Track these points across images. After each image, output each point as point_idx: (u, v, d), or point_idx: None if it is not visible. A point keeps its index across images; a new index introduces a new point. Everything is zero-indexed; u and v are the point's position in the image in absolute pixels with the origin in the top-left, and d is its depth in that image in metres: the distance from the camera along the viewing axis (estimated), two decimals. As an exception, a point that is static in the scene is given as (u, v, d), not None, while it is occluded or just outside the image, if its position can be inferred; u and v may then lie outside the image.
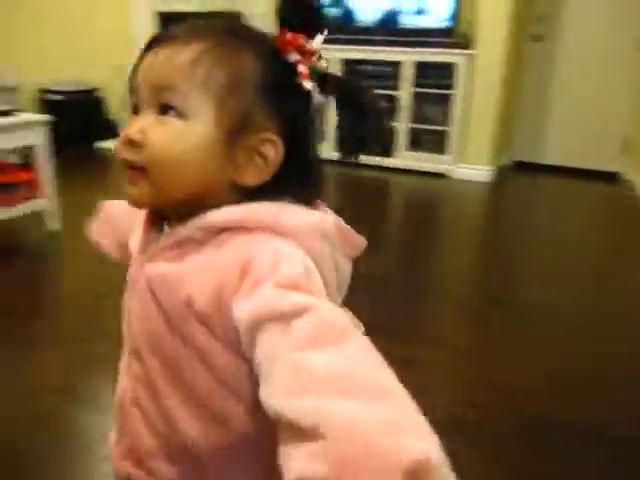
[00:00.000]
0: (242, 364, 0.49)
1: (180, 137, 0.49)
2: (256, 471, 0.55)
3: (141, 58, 0.51)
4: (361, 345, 0.40)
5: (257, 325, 0.43)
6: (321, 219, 0.51)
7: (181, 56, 0.49)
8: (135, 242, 0.59)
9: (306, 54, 0.51)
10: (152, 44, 0.51)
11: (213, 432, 0.53)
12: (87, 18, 4.80)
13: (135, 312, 0.56)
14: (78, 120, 4.55)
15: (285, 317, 0.42)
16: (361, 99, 0.54)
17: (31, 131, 2.59)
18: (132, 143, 0.49)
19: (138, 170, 0.50)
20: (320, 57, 0.52)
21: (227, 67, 0.49)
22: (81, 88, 4.79)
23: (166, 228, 0.57)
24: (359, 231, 0.56)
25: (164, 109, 0.50)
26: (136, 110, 0.52)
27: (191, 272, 0.50)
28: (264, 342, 0.43)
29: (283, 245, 0.48)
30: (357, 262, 0.57)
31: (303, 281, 0.45)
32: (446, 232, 3.19)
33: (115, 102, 4.84)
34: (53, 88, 4.65)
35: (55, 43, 4.83)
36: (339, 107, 0.54)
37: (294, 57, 0.51)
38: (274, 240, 0.48)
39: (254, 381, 0.45)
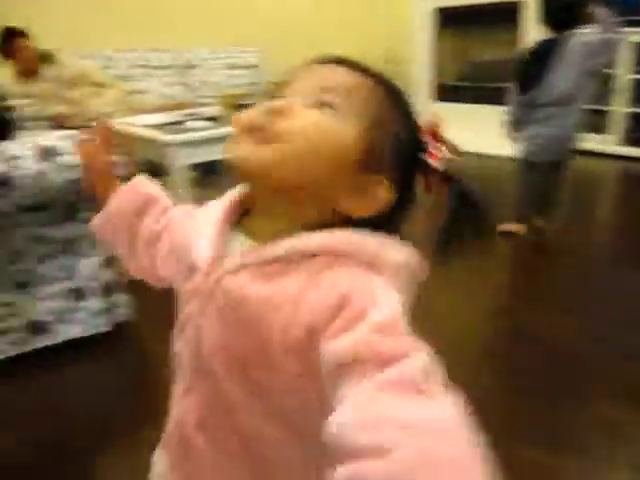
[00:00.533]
0: (313, 392, 0.47)
1: (329, 125, 0.50)
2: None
3: (310, 63, 0.57)
4: (448, 408, 0.39)
5: (349, 363, 0.42)
6: (411, 256, 0.51)
7: (357, 79, 0.54)
8: (202, 246, 0.54)
9: (437, 142, 0.56)
10: (331, 61, 0.56)
11: (290, 443, 0.53)
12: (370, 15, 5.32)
13: (209, 327, 0.52)
14: None
15: (381, 362, 0.41)
16: (471, 199, 0.56)
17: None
18: (275, 112, 0.49)
19: (260, 132, 0.49)
20: (448, 151, 0.56)
21: (383, 108, 0.54)
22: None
23: (238, 236, 0.54)
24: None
25: (319, 106, 0.51)
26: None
27: (282, 296, 0.48)
28: (352, 382, 0.41)
29: (381, 284, 0.47)
30: None
31: (399, 324, 0.44)
32: None
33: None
34: None
35: (329, 31, 5.17)
36: (450, 200, 0.56)
37: (427, 139, 0.56)
38: (372, 277, 0.47)
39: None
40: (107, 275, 1.86)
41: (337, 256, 0.48)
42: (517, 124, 2.57)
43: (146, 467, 1.29)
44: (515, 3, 3.96)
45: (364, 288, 0.46)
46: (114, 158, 1.90)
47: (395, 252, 0.50)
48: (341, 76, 0.54)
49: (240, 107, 2.64)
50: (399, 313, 0.45)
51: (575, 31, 2.35)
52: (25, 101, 3.19)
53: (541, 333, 1.85)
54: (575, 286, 2.21)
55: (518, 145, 2.57)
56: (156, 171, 3.28)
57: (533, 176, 2.55)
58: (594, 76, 2.37)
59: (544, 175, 2.51)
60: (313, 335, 0.45)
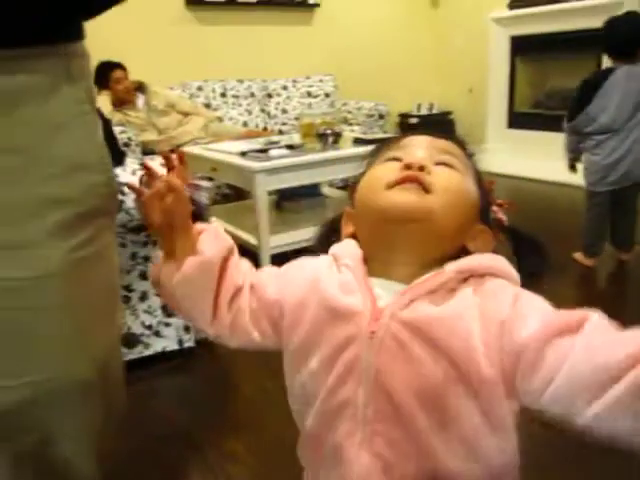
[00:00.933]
0: (505, 396, 0.53)
1: (461, 181, 0.61)
2: None
3: (407, 135, 0.68)
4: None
5: (549, 339, 0.51)
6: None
7: (456, 146, 0.67)
8: (354, 295, 0.58)
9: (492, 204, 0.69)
10: (425, 133, 0.68)
11: (475, 473, 0.55)
12: (447, 44, 5.53)
13: (391, 368, 0.54)
14: None
15: (576, 326, 0.51)
16: (525, 241, 0.69)
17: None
18: (422, 168, 0.59)
19: (416, 184, 0.58)
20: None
21: (476, 171, 0.67)
22: (435, 111, 5.47)
23: (375, 280, 0.60)
24: None
25: (442, 165, 0.62)
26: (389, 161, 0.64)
27: (462, 307, 0.55)
28: (563, 347, 0.50)
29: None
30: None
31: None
32: None
33: (466, 123, 5.47)
34: (412, 112, 5.35)
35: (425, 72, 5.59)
36: (513, 244, 0.68)
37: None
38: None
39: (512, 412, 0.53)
40: (195, 293, 2.00)
41: (484, 275, 0.58)
42: (570, 152, 2.57)
43: (227, 478, 1.38)
44: (593, 30, 3.91)
45: (519, 289, 0.57)
46: (198, 182, 2.05)
47: (512, 270, 0.60)
48: (445, 142, 0.66)
49: (319, 135, 2.75)
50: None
51: (634, 63, 2.33)
52: (119, 128, 3.44)
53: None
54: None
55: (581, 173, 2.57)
56: (238, 196, 3.46)
57: (591, 206, 2.53)
58: None
59: (603, 206, 2.48)
60: (504, 327, 0.53)
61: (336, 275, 0.61)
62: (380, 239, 0.60)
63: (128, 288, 1.89)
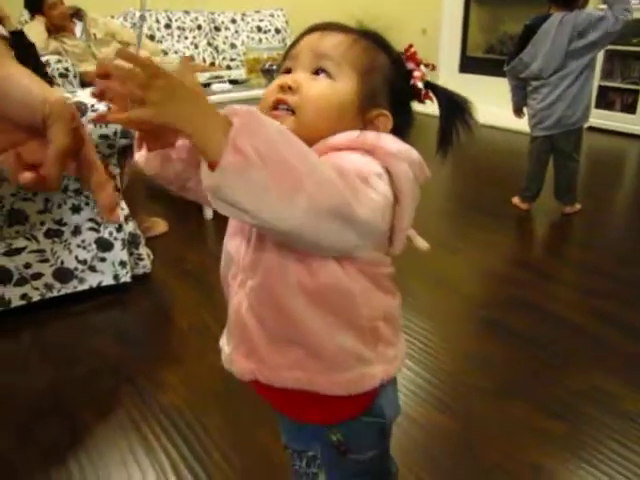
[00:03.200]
0: None
1: (329, 90, 0.66)
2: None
3: (304, 34, 0.71)
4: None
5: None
6: (410, 149, 0.65)
7: (342, 39, 0.69)
8: None
9: (419, 66, 0.73)
10: (319, 28, 0.71)
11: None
12: None
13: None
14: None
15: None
16: (454, 98, 0.73)
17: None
18: (288, 88, 0.65)
19: (285, 111, 0.64)
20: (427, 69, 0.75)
21: (370, 56, 0.69)
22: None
23: None
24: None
25: (317, 72, 0.67)
26: (287, 72, 0.69)
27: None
28: None
29: (369, 159, 0.62)
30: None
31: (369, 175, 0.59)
32: None
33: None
34: None
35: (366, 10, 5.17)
36: (440, 106, 0.74)
37: (411, 66, 0.74)
38: (365, 156, 0.62)
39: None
40: (130, 228, 1.96)
41: (347, 148, 0.63)
42: (513, 96, 2.61)
43: (163, 409, 1.41)
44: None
45: (349, 156, 0.61)
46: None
47: (390, 143, 0.63)
48: (332, 40, 0.69)
49: (264, 71, 2.69)
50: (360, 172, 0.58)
51: (570, 10, 2.34)
52: (54, 57, 3.26)
53: (550, 306, 1.91)
54: (579, 259, 2.26)
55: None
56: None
57: (529, 150, 2.59)
58: (583, 55, 2.35)
59: (540, 151, 2.55)
60: None
61: None
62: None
63: (60, 222, 1.84)
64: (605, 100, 4.28)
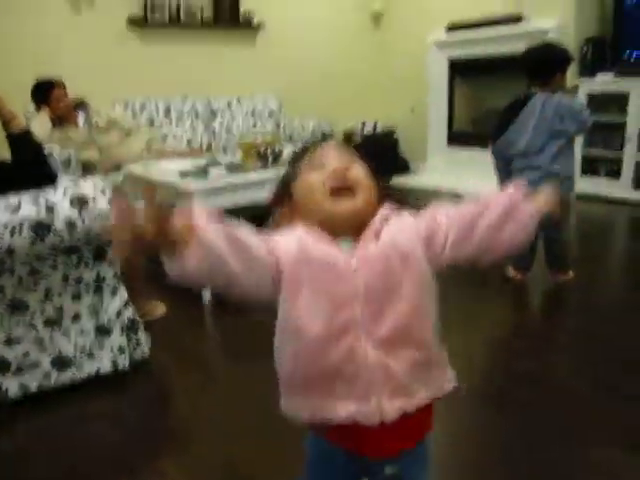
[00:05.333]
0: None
1: (365, 173, 0.86)
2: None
3: (321, 144, 0.91)
4: None
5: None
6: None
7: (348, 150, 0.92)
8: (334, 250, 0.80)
9: None
10: (331, 142, 0.94)
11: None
12: (389, 65, 5.78)
13: (372, 278, 0.79)
14: (376, 158, 5.09)
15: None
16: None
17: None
18: (346, 168, 0.84)
19: (348, 190, 0.82)
20: None
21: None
22: (379, 129, 5.67)
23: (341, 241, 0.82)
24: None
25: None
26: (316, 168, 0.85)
27: (400, 229, 0.84)
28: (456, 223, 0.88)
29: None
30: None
31: None
32: None
33: (409, 141, 5.70)
34: (357, 130, 5.58)
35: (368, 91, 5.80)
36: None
37: None
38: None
39: None
40: (129, 313, 1.99)
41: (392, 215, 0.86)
42: (499, 173, 2.70)
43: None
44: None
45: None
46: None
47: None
48: (341, 147, 0.91)
49: (259, 155, 2.80)
50: None
51: (552, 90, 2.48)
52: (57, 147, 3.39)
53: (539, 372, 1.92)
54: (576, 326, 2.28)
55: None
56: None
57: None
58: (562, 137, 2.47)
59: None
60: (419, 228, 0.84)
61: (312, 241, 0.80)
62: (329, 227, 0.81)
63: (60, 310, 1.87)
64: (590, 168, 4.42)
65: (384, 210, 0.86)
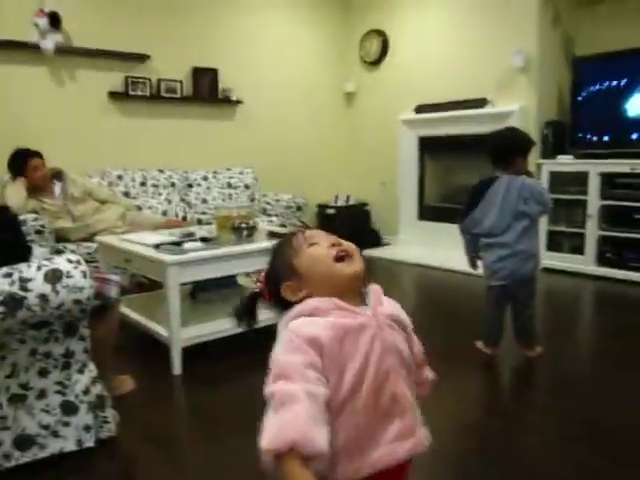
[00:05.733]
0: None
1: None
2: None
3: (304, 231, 1.04)
4: None
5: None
6: None
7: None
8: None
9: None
10: (313, 230, 1.06)
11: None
12: (361, 140, 6.04)
13: (386, 346, 0.93)
14: (349, 230, 5.17)
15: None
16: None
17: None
18: (339, 243, 0.99)
19: (349, 256, 0.97)
20: None
21: None
22: (352, 202, 5.82)
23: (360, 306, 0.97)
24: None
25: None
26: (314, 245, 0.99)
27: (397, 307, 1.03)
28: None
29: None
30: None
31: None
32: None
33: (381, 215, 5.88)
34: (330, 203, 5.76)
35: (341, 166, 6.08)
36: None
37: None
38: None
39: None
40: (97, 390, 1.95)
41: None
42: (467, 250, 2.78)
43: None
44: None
45: None
46: (108, 276, 2.12)
47: None
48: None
49: (234, 229, 2.84)
50: None
51: (515, 173, 2.61)
52: (32, 216, 3.39)
53: (523, 457, 1.92)
54: (546, 403, 2.30)
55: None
56: (154, 284, 3.44)
57: (487, 299, 2.73)
58: (526, 218, 2.59)
59: (498, 299, 2.68)
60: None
61: (339, 318, 0.91)
62: (343, 290, 0.95)
63: (25, 386, 1.82)
64: (554, 243, 4.58)
65: (376, 286, 1.02)
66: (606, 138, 4.39)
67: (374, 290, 1.01)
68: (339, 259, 0.96)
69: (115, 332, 2.28)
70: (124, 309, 2.93)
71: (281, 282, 0.98)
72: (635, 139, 4.24)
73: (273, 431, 0.78)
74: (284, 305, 0.98)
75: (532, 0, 4.49)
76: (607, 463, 1.84)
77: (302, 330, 0.88)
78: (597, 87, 4.39)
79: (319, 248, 0.98)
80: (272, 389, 0.83)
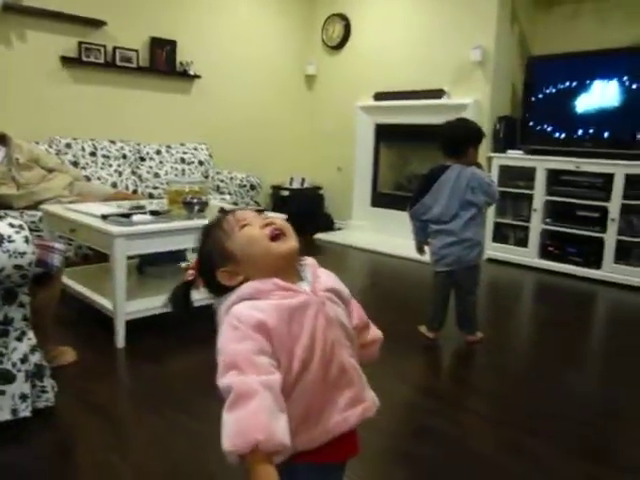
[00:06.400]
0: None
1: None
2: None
3: (234, 212, 1.02)
4: None
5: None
6: None
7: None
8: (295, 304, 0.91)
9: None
10: (243, 209, 1.06)
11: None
12: (319, 124, 6.05)
13: (329, 319, 0.94)
14: (302, 213, 5.30)
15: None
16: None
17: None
18: (275, 222, 0.97)
19: (283, 234, 0.96)
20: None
21: None
22: (307, 185, 5.76)
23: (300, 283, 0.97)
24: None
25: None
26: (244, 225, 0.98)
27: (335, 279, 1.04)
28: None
29: None
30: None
31: None
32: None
33: (335, 199, 5.88)
34: (285, 185, 5.73)
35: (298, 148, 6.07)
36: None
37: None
38: None
39: None
40: (36, 359, 1.90)
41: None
42: (416, 235, 2.85)
43: None
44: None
45: None
46: (51, 243, 2.07)
47: None
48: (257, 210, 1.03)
49: (185, 203, 2.81)
50: None
51: (467, 163, 2.69)
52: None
53: (459, 436, 1.99)
54: (484, 387, 2.39)
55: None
56: (100, 257, 3.36)
57: (433, 284, 2.82)
58: (473, 207, 2.67)
59: (443, 285, 2.77)
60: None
61: (282, 299, 0.90)
62: (280, 269, 0.94)
63: (-41, 353, 1.76)
64: (500, 235, 4.73)
65: (312, 261, 1.03)
66: (555, 136, 4.55)
67: (310, 265, 1.01)
68: (274, 238, 0.94)
69: (56, 301, 2.23)
70: (69, 281, 2.86)
71: (216, 268, 0.95)
72: (581, 137, 4.41)
73: (233, 432, 0.77)
74: (222, 289, 0.95)
75: (492, -4, 4.58)
76: (540, 444, 1.94)
77: (246, 315, 0.86)
78: (549, 86, 4.53)
79: (252, 229, 0.96)
80: (225, 382, 0.81)
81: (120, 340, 2.54)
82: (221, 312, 0.92)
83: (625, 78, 4.15)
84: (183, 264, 3.15)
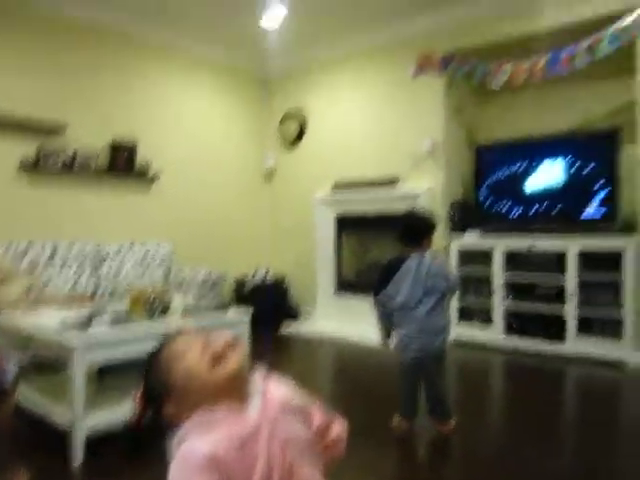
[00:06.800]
0: None
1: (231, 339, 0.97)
2: None
3: (167, 346, 1.00)
4: None
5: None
6: None
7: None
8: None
9: None
10: (177, 338, 1.01)
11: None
12: (280, 216, 6.15)
13: (284, 440, 0.90)
14: (267, 306, 5.26)
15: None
16: None
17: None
18: (214, 342, 0.94)
19: (223, 357, 0.92)
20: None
21: None
22: (270, 277, 5.77)
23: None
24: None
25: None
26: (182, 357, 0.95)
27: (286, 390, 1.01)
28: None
29: None
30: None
31: None
32: (626, 434, 2.88)
33: (299, 289, 5.84)
34: (248, 278, 5.65)
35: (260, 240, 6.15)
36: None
37: None
38: None
39: None
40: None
41: None
42: (380, 323, 2.87)
43: None
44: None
45: None
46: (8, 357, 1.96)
47: None
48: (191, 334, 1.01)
49: (147, 305, 2.76)
50: None
51: (423, 253, 2.77)
52: None
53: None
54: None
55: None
56: (52, 367, 3.22)
57: (400, 373, 2.80)
58: (435, 293, 2.72)
59: (411, 373, 2.75)
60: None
61: (232, 427, 0.87)
62: (225, 393, 0.90)
63: None
64: (466, 315, 4.78)
65: (260, 372, 1.00)
66: (509, 216, 4.74)
67: (259, 378, 0.98)
68: (215, 361, 0.92)
69: (8, 423, 2.11)
70: (22, 391, 2.71)
71: (162, 403, 0.95)
72: (533, 217, 4.61)
73: None
74: (173, 420, 0.93)
75: (438, 91, 4.89)
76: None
77: (197, 452, 0.82)
78: (497, 170, 4.77)
79: (191, 358, 0.93)
80: None
81: (77, 457, 2.38)
82: (172, 445, 0.88)
83: (567, 158, 4.43)
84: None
